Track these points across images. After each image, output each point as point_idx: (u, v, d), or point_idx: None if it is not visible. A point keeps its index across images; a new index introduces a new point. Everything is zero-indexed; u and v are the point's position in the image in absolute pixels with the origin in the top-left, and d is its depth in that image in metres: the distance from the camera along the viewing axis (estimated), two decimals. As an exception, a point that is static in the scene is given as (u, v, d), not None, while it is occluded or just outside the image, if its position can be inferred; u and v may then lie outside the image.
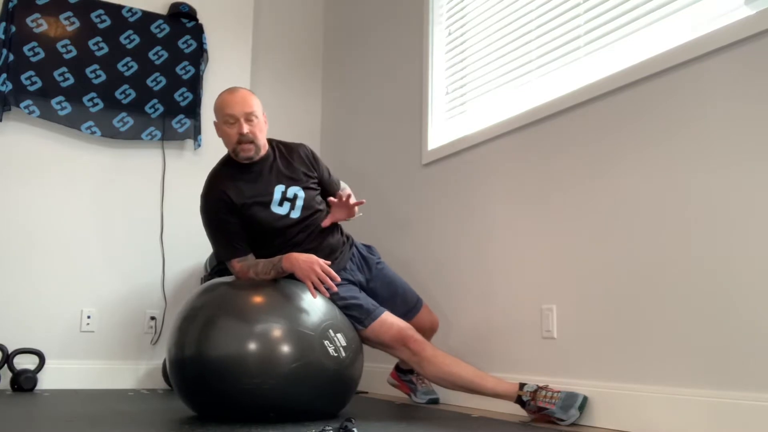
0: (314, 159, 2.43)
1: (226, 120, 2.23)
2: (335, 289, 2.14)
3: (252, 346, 1.96)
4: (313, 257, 2.13)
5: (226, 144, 2.28)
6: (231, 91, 2.28)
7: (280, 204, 2.28)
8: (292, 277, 2.18)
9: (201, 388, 2.02)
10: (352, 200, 2.28)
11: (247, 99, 2.25)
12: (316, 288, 2.10)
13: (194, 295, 2.17)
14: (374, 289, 2.45)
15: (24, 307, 3.24)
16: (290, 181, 2.31)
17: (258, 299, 2.09)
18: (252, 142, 2.23)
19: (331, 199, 2.28)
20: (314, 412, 2.05)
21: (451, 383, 2.24)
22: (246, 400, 1.96)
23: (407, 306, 2.50)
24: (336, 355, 2.04)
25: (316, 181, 2.40)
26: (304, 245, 2.27)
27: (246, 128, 2.21)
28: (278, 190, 2.29)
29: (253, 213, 2.25)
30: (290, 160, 2.36)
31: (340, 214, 2.34)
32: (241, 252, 2.25)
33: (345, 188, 2.56)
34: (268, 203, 2.27)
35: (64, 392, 3.02)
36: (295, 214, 2.30)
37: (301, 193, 2.31)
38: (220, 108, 2.26)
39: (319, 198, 2.39)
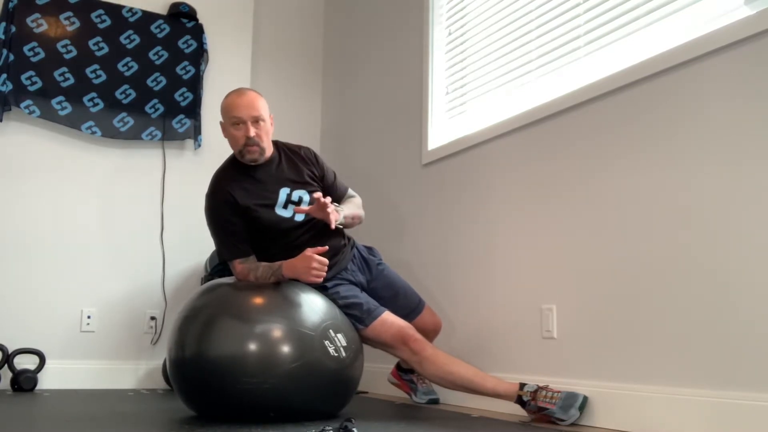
0: (317, 161, 2.43)
1: (232, 122, 2.24)
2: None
3: (252, 345, 1.97)
4: (305, 255, 2.13)
5: (232, 145, 2.29)
6: (239, 93, 2.27)
7: (285, 207, 2.29)
8: (291, 279, 2.19)
9: (201, 388, 2.02)
10: (329, 209, 2.16)
11: (255, 102, 2.24)
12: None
13: (195, 295, 2.17)
14: (375, 290, 2.45)
15: (24, 307, 3.24)
16: (295, 185, 2.32)
17: (258, 299, 2.09)
18: (258, 144, 2.24)
19: (317, 195, 2.17)
20: (314, 412, 2.05)
21: (451, 383, 2.24)
22: (246, 399, 1.96)
23: (409, 307, 2.50)
24: (336, 355, 2.04)
25: (320, 183, 2.41)
26: (306, 247, 2.28)
27: (252, 131, 2.22)
28: (283, 192, 2.29)
29: (258, 215, 2.25)
30: (296, 163, 2.36)
31: (317, 213, 2.22)
32: (243, 253, 2.25)
33: (353, 197, 2.53)
34: (272, 206, 2.27)
35: (64, 392, 3.02)
36: (299, 217, 2.30)
37: (306, 197, 2.32)
38: (227, 110, 2.26)
39: None
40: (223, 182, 2.29)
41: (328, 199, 2.17)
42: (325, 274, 2.15)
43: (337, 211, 2.23)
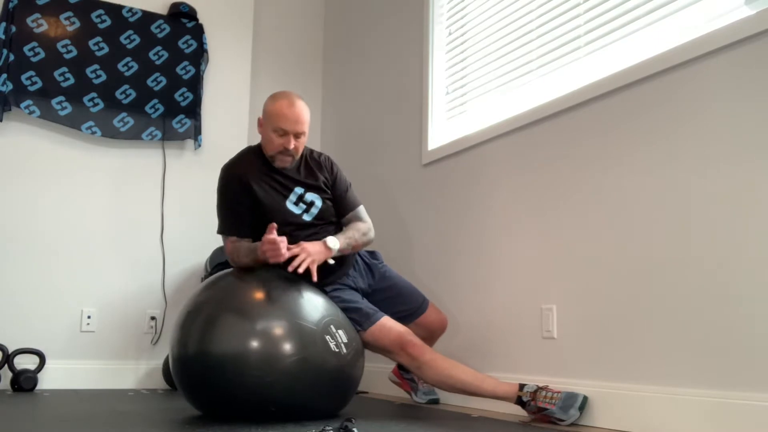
0: (331, 169, 2.43)
1: (276, 129, 2.25)
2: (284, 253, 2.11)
3: (254, 339, 1.97)
4: (266, 236, 2.11)
5: (266, 146, 2.31)
6: (290, 102, 2.26)
7: (296, 203, 2.31)
8: (274, 266, 2.17)
9: (204, 383, 2.02)
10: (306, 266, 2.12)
11: (302, 117, 2.26)
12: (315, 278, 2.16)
13: (197, 291, 2.18)
14: (379, 290, 2.46)
15: (24, 307, 3.24)
16: (310, 188, 2.34)
17: (260, 294, 2.09)
18: (292, 156, 2.29)
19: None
20: (315, 410, 2.05)
21: (450, 386, 2.24)
22: (248, 394, 1.96)
23: (414, 305, 2.51)
24: (337, 351, 2.04)
25: (330, 192, 2.40)
26: None
27: (293, 144, 2.26)
28: (297, 190, 2.32)
29: (268, 204, 2.27)
30: (313, 169, 2.38)
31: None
32: (238, 232, 2.28)
33: (360, 221, 2.41)
34: (284, 198, 2.30)
35: (64, 392, 3.02)
36: (308, 218, 2.32)
37: (319, 203, 2.34)
38: (274, 117, 2.26)
39: (333, 210, 2.39)
40: (244, 163, 2.33)
41: (301, 259, 2.12)
42: (280, 251, 2.09)
43: (329, 248, 2.21)
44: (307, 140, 2.34)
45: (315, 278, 2.14)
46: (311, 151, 2.44)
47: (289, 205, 2.30)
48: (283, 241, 2.11)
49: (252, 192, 2.27)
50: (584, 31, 2.37)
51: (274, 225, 2.13)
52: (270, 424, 1.90)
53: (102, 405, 2.43)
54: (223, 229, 2.32)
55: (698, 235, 1.88)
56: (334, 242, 2.24)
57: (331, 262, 2.24)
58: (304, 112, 2.28)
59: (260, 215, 2.28)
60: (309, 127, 2.32)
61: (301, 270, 2.10)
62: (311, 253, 2.16)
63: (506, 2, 2.77)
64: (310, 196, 2.33)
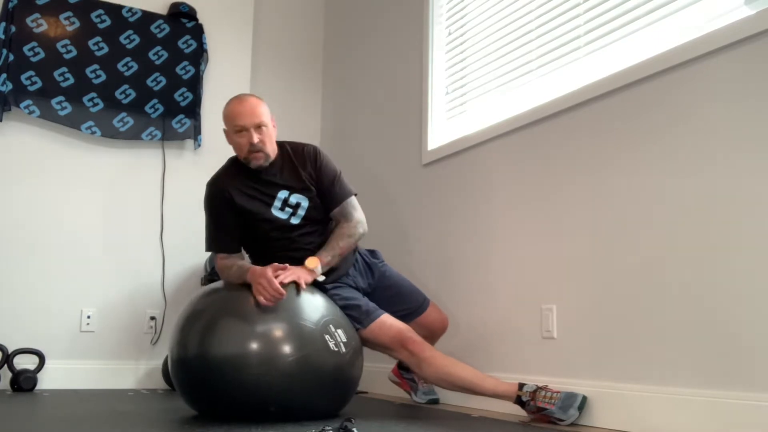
0: (315, 162, 2.35)
1: (236, 130, 2.25)
2: (282, 294, 2.04)
3: (254, 338, 1.97)
4: (264, 270, 2.07)
5: (237, 152, 2.30)
6: (240, 100, 2.28)
7: (281, 209, 2.29)
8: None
9: (204, 383, 2.02)
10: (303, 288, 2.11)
11: (256, 109, 2.25)
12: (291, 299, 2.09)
13: (195, 297, 2.18)
14: (380, 289, 2.46)
15: (24, 307, 3.24)
16: (294, 189, 2.31)
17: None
18: (262, 150, 2.25)
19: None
20: (315, 410, 2.05)
21: (450, 384, 2.24)
22: (247, 394, 1.96)
23: (414, 304, 2.51)
24: (336, 350, 2.04)
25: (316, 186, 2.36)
26: (304, 248, 2.28)
27: (256, 138, 2.22)
28: (281, 195, 2.29)
29: (253, 215, 2.26)
30: (296, 167, 2.33)
31: None
32: (227, 249, 2.28)
33: (347, 221, 2.35)
34: (268, 206, 2.28)
35: (64, 392, 3.02)
36: (296, 221, 2.30)
37: (305, 203, 2.31)
38: (229, 118, 2.27)
39: (322, 206, 2.36)
40: (223, 179, 2.31)
41: (298, 277, 2.11)
42: (271, 300, 2.02)
43: (313, 270, 2.17)
44: (275, 133, 2.30)
45: (300, 291, 2.11)
46: (295, 146, 2.38)
47: (275, 212, 2.28)
48: (282, 294, 2.02)
49: (235, 206, 2.25)
50: (584, 31, 2.38)
51: (282, 267, 2.09)
52: (269, 425, 1.90)
53: (102, 405, 2.43)
54: (211, 247, 2.31)
55: (698, 235, 1.88)
56: (314, 262, 2.19)
57: (321, 278, 2.21)
58: (257, 105, 2.26)
59: (247, 226, 2.28)
60: (271, 119, 2.29)
61: (285, 281, 2.06)
62: (299, 276, 2.12)
63: (506, 2, 2.77)
64: (295, 198, 2.30)
